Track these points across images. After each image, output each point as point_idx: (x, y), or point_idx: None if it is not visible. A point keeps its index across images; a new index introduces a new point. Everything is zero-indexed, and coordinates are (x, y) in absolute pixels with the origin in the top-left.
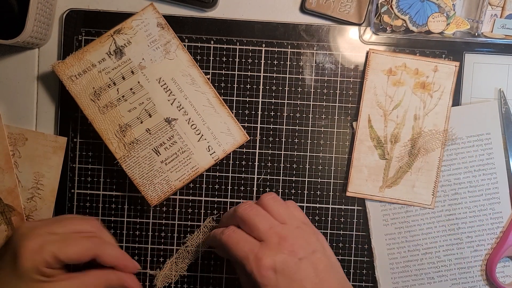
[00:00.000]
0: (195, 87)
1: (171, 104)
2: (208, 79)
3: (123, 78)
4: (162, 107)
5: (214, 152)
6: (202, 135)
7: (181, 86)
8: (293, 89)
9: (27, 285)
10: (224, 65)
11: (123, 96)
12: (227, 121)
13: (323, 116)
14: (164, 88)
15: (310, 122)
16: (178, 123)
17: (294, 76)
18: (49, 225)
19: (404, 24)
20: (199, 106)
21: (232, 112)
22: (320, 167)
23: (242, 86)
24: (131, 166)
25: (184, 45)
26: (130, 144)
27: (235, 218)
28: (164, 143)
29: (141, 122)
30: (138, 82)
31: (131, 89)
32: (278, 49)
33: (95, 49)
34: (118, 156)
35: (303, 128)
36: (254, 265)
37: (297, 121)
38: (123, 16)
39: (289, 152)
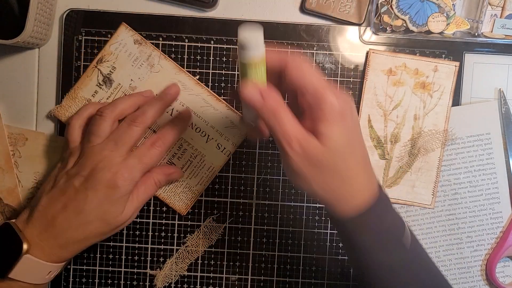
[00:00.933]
0: (188, 92)
1: (171, 115)
2: (199, 79)
3: None
4: (163, 120)
5: (225, 148)
6: (209, 136)
7: None
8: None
9: (119, 208)
10: (224, 65)
11: None
12: (227, 114)
13: None
14: None
15: None
16: None
17: None
18: (115, 150)
19: (404, 24)
20: (197, 109)
21: None
22: None
23: None
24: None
25: (184, 45)
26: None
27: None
28: (175, 153)
29: None
30: None
31: None
32: (278, 49)
33: (85, 84)
34: None
35: None
36: (334, 95)
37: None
38: (123, 16)
39: None
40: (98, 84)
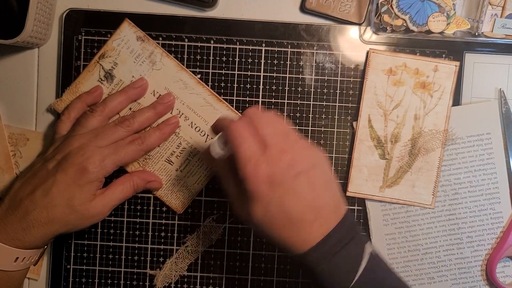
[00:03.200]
0: (189, 91)
1: (171, 113)
2: (200, 78)
3: None
4: (163, 118)
5: None
6: (208, 135)
7: (175, 92)
8: (293, 89)
9: (86, 195)
10: (224, 65)
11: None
12: (227, 114)
13: (323, 116)
14: None
15: (310, 122)
16: (182, 129)
17: (294, 76)
18: (91, 141)
19: (404, 24)
20: (197, 108)
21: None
22: None
23: (242, 86)
24: None
25: (184, 45)
26: (143, 161)
27: (242, 117)
28: (174, 151)
29: None
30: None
31: (130, 108)
32: (278, 49)
33: (86, 79)
34: None
35: (303, 128)
36: (252, 172)
37: (297, 121)
38: (123, 16)
39: None
40: (100, 80)
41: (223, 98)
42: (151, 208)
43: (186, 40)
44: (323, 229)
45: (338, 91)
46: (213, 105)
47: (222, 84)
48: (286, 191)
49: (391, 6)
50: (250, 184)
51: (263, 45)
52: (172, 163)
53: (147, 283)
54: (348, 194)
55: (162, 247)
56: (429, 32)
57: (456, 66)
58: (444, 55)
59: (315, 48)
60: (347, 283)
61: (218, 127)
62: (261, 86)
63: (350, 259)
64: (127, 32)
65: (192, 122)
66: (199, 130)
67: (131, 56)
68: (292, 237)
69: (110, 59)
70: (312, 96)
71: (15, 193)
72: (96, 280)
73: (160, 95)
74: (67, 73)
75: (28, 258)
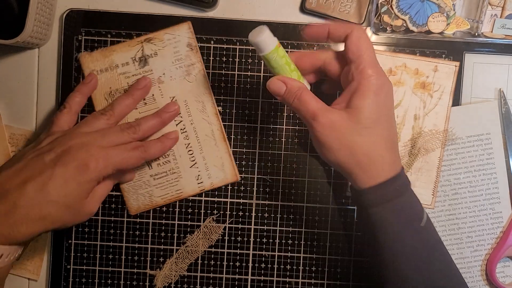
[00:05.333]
0: (203, 115)
1: (176, 125)
2: (219, 111)
3: None
4: (167, 125)
5: (202, 182)
6: (196, 163)
7: (190, 110)
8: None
9: (83, 193)
10: (224, 65)
11: None
12: (224, 157)
13: None
14: None
15: None
16: (177, 144)
17: None
18: (96, 140)
19: (404, 24)
20: (201, 135)
21: (232, 112)
22: (320, 167)
23: (242, 86)
24: None
25: None
26: None
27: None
28: (158, 159)
29: None
30: (153, 95)
31: (144, 99)
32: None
33: (123, 51)
34: None
35: (303, 128)
36: (377, 73)
37: (297, 121)
38: (123, 16)
39: (289, 152)
40: (133, 58)
41: (223, 99)
42: (151, 208)
43: None
44: (391, 173)
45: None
46: (216, 140)
47: (222, 84)
48: (392, 105)
49: (391, 6)
50: (376, 80)
51: None
52: (151, 167)
53: (147, 283)
54: (348, 194)
55: (162, 247)
56: (429, 32)
57: (456, 66)
58: (444, 55)
59: (315, 48)
60: (418, 222)
61: (306, 54)
62: (261, 86)
63: (416, 201)
64: (183, 33)
65: (189, 144)
66: (191, 154)
67: (172, 56)
68: (385, 155)
69: (153, 46)
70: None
71: (0, 183)
72: (96, 280)
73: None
74: (67, 73)
75: (12, 254)
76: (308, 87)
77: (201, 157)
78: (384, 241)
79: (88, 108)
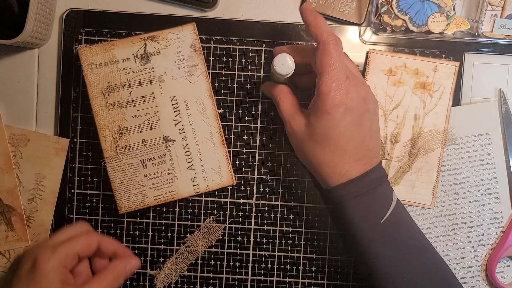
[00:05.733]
0: (203, 117)
1: (175, 125)
2: (219, 113)
3: (140, 84)
4: (165, 125)
5: (198, 184)
6: (192, 165)
7: (190, 111)
8: (293, 89)
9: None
10: (224, 65)
11: (133, 101)
12: (221, 160)
13: None
14: (174, 107)
15: None
16: (174, 145)
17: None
18: (49, 240)
19: (404, 24)
20: (200, 137)
21: (232, 112)
22: None
23: (242, 86)
24: (115, 169)
25: None
26: (122, 148)
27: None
28: (154, 158)
29: (140, 131)
30: (152, 92)
31: (143, 96)
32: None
33: (125, 46)
34: (107, 155)
35: None
36: (333, 91)
37: None
38: (123, 16)
39: (289, 152)
40: (135, 55)
41: (223, 99)
42: (151, 208)
43: None
44: (365, 168)
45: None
46: (215, 143)
47: (222, 84)
48: (353, 121)
49: (391, 6)
50: (329, 100)
51: (263, 45)
52: (145, 167)
53: (147, 283)
54: None
55: (162, 247)
56: (429, 32)
57: (456, 66)
58: (444, 55)
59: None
60: (379, 218)
61: (298, 50)
62: (261, 86)
63: (382, 198)
64: (187, 34)
65: (187, 145)
66: (188, 155)
67: (175, 55)
68: (337, 166)
69: (156, 45)
70: (312, 96)
71: None
72: None
73: (176, 103)
74: (67, 73)
75: None
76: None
77: (199, 159)
78: (355, 237)
79: (85, 102)
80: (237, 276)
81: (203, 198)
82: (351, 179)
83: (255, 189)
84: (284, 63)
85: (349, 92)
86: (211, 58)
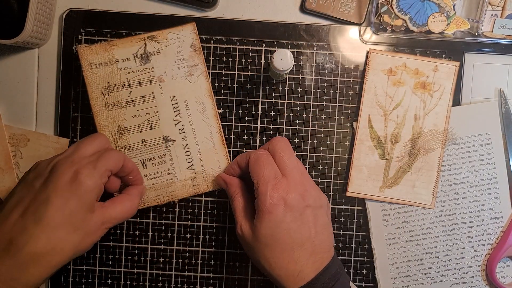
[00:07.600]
0: (203, 117)
1: (175, 124)
2: (219, 113)
3: (140, 83)
4: (165, 125)
5: (197, 184)
6: (192, 165)
7: (190, 111)
8: (293, 89)
9: (87, 206)
10: (224, 65)
11: (132, 101)
12: (221, 160)
13: (323, 116)
14: (174, 107)
15: (310, 122)
16: (174, 145)
17: (294, 76)
18: (76, 152)
19: (404, 24)
20: (200, 137)
21: (232, 112)
22: (320, 167)
23: (242, 86)
24: None
25: None
26: (122, 148)
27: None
28: (154, 158)
29: (140, 131)
30: (152, 92)
31: (143, 96)
32: (278, 49)
33: (124, 46)
34: None
35: (303, 128)
36: (272, 190)
37: (297, 121)
38: (123, 16)
39: None
40: (135, 55)
41: (223, 98)
42: (151, 208)
43: None
44: (316, 265)
45: (338, 91)
46: (215, 143)
47: (222, 84)
48: (295, 217)
49: (391, 6)
50: (268, 200)
51: (263, 45)
52: (145, 167)
53: (147, 283)
54: (348, 194)
55: (162, 247)
56: (429, 32)
57: (456, 66)
58: (444, 55)
59: (315, 48)
60: None
61: (241, 160)
62: (261, 86)
63: None
64: (187, 34)
65: (187, 145)
66: (188, 155)
67: (175, 55)
68: (289, 267)
69: (156, 45)
70: (312, 96)
71: (0, 226)
72: (96, 280)
73: (176, 103)
74: (67, 73)
75: None
76: None
77: (198, 159)
78: None
79: (85, 101)
80: (237, 276)
81: (203, 198)
82: (308, 282)
83: None
84: (283, 58)
85: (287, 190)
86: (211, 58)
